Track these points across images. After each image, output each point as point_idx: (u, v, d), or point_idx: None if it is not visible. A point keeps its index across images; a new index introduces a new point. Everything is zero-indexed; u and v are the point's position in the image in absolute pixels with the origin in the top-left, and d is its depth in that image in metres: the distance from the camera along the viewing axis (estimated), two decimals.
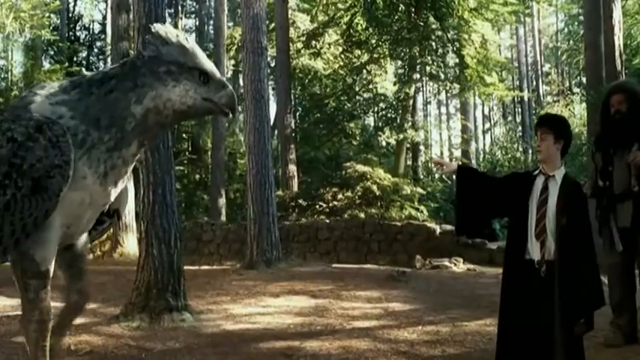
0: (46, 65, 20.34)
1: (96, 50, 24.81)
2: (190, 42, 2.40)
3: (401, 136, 14.26)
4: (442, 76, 14.17)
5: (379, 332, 5.57)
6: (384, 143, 15.61)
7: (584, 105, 20.43)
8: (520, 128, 27.98)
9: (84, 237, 2.59)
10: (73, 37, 23.94)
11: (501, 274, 3.33)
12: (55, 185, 2.18)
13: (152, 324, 5.31)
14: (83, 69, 22.98)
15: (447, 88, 13.80)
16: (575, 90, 28.98)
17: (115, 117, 2.29)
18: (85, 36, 25.30)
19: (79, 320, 5.95)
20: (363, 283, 8.28)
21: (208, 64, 2.41)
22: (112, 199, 2.46)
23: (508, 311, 3.16)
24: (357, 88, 17.30)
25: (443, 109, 34.77)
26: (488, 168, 20.65)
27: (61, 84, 2.41)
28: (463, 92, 14.98)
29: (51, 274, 2.33)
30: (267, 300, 7.35)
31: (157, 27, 2.40)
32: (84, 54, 24.42)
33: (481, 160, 22.22)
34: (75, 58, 23.11)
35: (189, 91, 2.34)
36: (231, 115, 2.49)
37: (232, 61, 21.37)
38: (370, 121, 19.93)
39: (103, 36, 24.02)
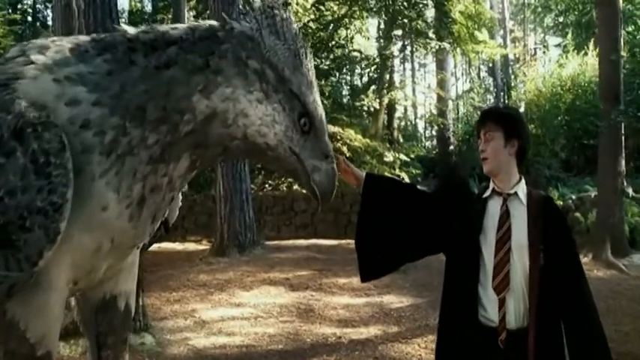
0: None
1: None
2: (308, 54, 1.57)
3: (385, 99, 13.12)
4: (430, 33, 12.95)
5: (385, 348, 4.59)
6: (363, 105, 14.48)
7: (559, 62, 19.73)
8: (493, 89, 27.26)
9: (129, 285, 1.74)
10: None
11: None
12: (31, 246, 1.32)
13: None
14: (29, 17, 21.07)
15: (437, 46, 12.61)
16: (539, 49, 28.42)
17: (168, 108, 1.43)
18: None
19: None
20: (351, 272, 7.27)
21: (320, 108, 1.58)
22: (147, 239, 1.63)
23: None
24: (331, 45, 15.96)
25: (407, 65, 33.65)
26: (465, 130, 19.84)
27: (76, 43, 1.49)
28: (444, 50, 13.87)
29: (53, 359, 1.51)
30: (241, 295, 6.31)
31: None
32: (29, 1, 22.13)
33: (460, 119, 21.31)
34: (19, 5, 20.86)
35: (278, 124, 1.51)
36: (320, 206, 1.63)
37: (192, 12, 19.64)
38: (345, 79, 18.72)
39: None
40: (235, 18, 1.53)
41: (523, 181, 2.07)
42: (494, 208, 2.03)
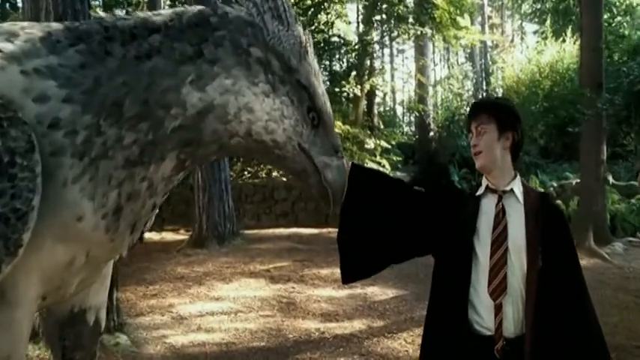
0: None
1: None
2: (311, 42, 1.43)
3: (367, 85, 12.91)
4: (411, 18, 12.73)
5: (370, 344, 4.45)
6: (344, 91, 14.28)
7: (540, 49, 19.78)
8: (473, 75, 27.29)
9: (100, 298, 1.59)
10: None
11: None
12: None
13: None
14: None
15: (419, 31, 12.41)
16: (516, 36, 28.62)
17: (149, 102, 1.26)
18: None
19: None
20: (333, 262, 7.14)
21: (328, 100, 1.45)
22: (125, 251, 1.44)
23: None
24: (310, 30, 15.67)
25: (386, 51, 33.59)
26: (445, 116, 19.82)
27: (48, 32, 1.30)
28: (425, 35, 13.68)
29: None
30: (220, 288, 6.12)
31: None
32: None
33: (439, 106, 21.26)
34: None
35: (287, 119, 1.36)
36: (332, 207, 1.48)
37: None
38: (325, 65, 18.47)
39: None
40: (227, 2, 1.36)
41: (519, 177, 1.92)
42: (488, 206, 1.88)
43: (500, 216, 1.85)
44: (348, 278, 2.05)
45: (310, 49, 1.41)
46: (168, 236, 9.65)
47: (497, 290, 1.80)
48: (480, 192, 1.92)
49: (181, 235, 9.75)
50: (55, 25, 1.34)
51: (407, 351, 4.28)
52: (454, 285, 1.87)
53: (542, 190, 10.06)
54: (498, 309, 1.80)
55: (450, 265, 1.89)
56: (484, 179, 1.93)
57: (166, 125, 1.27)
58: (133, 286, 5.91)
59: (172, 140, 1.29)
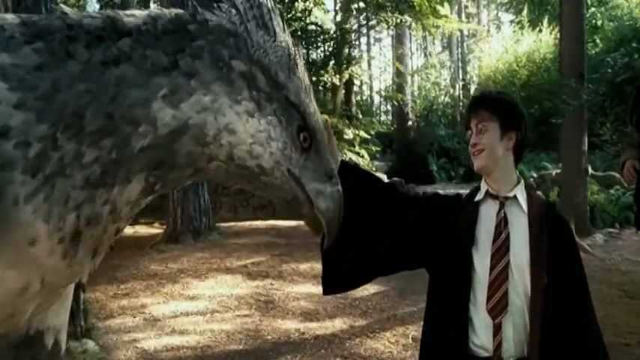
0: None
1: None
2: (301, 53, 1.30)
3: (346, 75, 12.69)
4: (390, 6, 12.48)
5: (352, 345, 4.28)
6: (321, 80, 14.03)
7: (516, 38, 19.79)
8: (450, 64, 27.31)
9: (60, 319, 1.36)
10: None
11: None
12: None
13: None
14: None
15: (398, 19, 12.19)
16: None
17: (114, 116, 1.06)
18: None
19: None
20: (312, 257, 6.96)
21: (320, 118, 1.29)
22: (87, 276, 1.25)
23: None
24: (287, 18, 15.35)
25: (363, 39, 33.48)
26: (424, 106, 19.76)
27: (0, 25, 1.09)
28: (404, 24, 13.49)
29: None
30: (196, 286, 5.89)
31: None
32: None
33: (416, 95, 21.17)
34: None
35: (274, 141, 1.19)
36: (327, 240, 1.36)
37: None
38: (302, 53, 18.19)
39: None
40: (218, 6, 1.19)
41: (522, 183, 1.74)
42: (488, 214, 1.70)
43: (502, 226, 1.66)
44: (330, 289, 1.83)
45: (300, 62, 1.24)
46: (142, 230, 9.34)
47: (497, 308, 1.62)
48: (479, 197, 1.73)
49: (155, 229, 9.45)
50: (10, 18, 1.13)
51: (391, 352, 4.12)
52: (451, 302, 1.68)
53: (527, 181, 9.98)
54: (497, 329, 1.63)
55: (447, 279, 1.70)
56: (483, 183, 1.74)
57: (133, 144, 1.09)
58: (104, 285, 5.65)
59: (140, 161, 1.10)
